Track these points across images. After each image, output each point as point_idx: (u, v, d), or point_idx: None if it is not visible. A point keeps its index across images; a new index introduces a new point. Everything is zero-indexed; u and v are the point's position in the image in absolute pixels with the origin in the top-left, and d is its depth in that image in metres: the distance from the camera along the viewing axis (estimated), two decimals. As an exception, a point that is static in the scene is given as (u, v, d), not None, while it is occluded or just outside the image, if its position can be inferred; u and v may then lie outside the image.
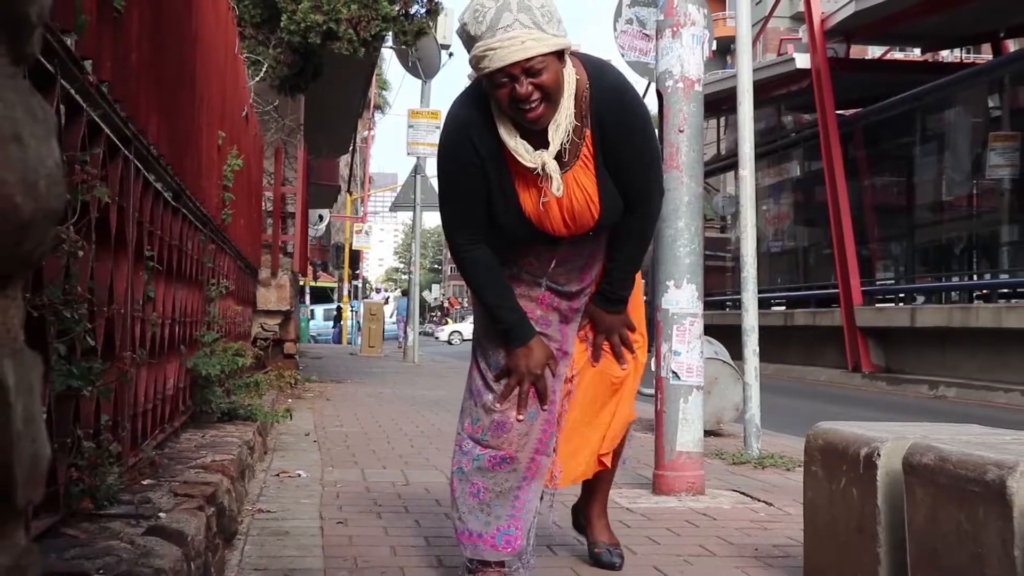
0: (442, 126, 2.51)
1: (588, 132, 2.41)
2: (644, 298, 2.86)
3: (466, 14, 2.28)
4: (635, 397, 2.82)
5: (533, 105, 2.27)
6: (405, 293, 32.09)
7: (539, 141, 2.37)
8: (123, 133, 2.63)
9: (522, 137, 2.37)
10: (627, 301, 2.64)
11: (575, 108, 2.38)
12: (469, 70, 2.74)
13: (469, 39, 2.26)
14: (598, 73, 2.42)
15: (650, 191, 2.56)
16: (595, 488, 2.82)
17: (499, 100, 2.30)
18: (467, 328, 43.64)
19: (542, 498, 2.75)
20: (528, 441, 2.53)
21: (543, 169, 2.37)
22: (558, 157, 2.40)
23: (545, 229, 2.46)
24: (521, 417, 2.51)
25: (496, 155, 2.39)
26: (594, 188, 2.44)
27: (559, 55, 2.29)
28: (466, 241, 2.49)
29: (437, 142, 2.70)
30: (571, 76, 2.36)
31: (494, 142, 2.38)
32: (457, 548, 2.62)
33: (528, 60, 2.21)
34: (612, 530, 2.89)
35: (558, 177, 2.37)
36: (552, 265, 2.55)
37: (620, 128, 2.43)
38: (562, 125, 2.35)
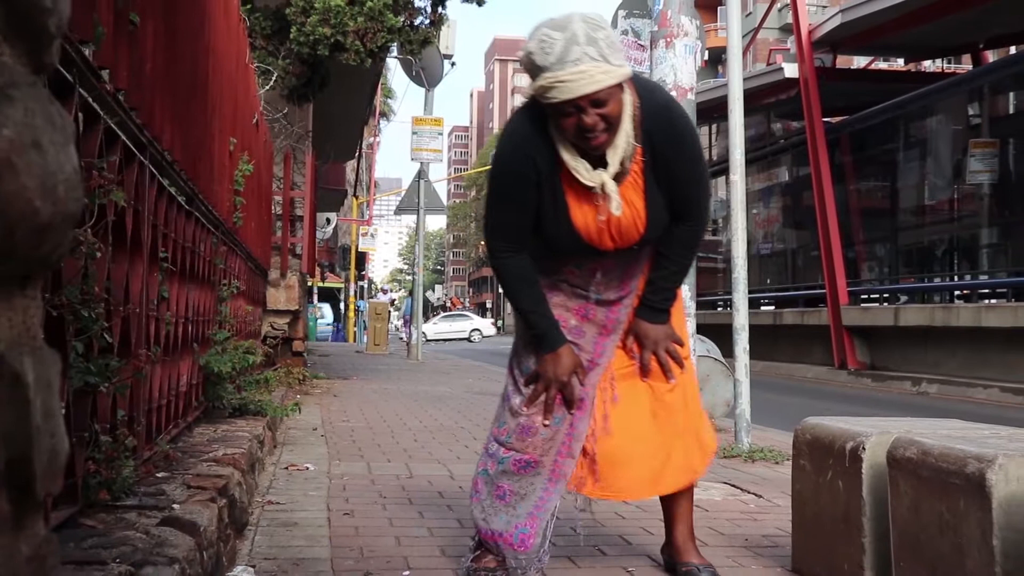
0: (501, 136, 2.47)
1: (639, 150, 2.38)
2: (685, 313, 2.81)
3: (531, 43, 2.24)
4: (705, 417, 2.70)
5: (598, 134, 2.26)
6: (411, 293, 32.12)
7: (597, 159, 2.35)
8: (138, 139, 2.63)
9: (581, 156, 2.34)
10: (670, 312, 2.58)
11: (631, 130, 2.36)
12: (521, 84, 2.71)
13: (534, 68, 2.23)
14: (648, 94, 2.40)
15: (699, 206, 2.52)
16: (675, 512, 2.66)
17: (564, 128, 2.28)
18: (484, 324, 42.55)
19: (577, 501, 2.75)
20: (553, 446, 2.50)
21: (602, 189, 2.35)
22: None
23: (591, 242, 2.43)
24: (547, 422, 2.48)
25: (553, 170, 2.37)
26: (642, 204, 2.41)
27: (620, 83, 2.28)
28: (507, 248, 2.46)
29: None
30: (628, 100, 2.33)
31: (552, 158, 2.35)
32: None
33: (595, 93, 2.19)
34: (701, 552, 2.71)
35: (617, 197, 2.35)
36: (593, 276, 2.52)
37: (670, 146, 2.40)
38: (620, 146, 2.33)
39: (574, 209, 2.40)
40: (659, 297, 2.54)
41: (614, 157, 2.34)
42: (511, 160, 2.41)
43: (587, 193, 2.37)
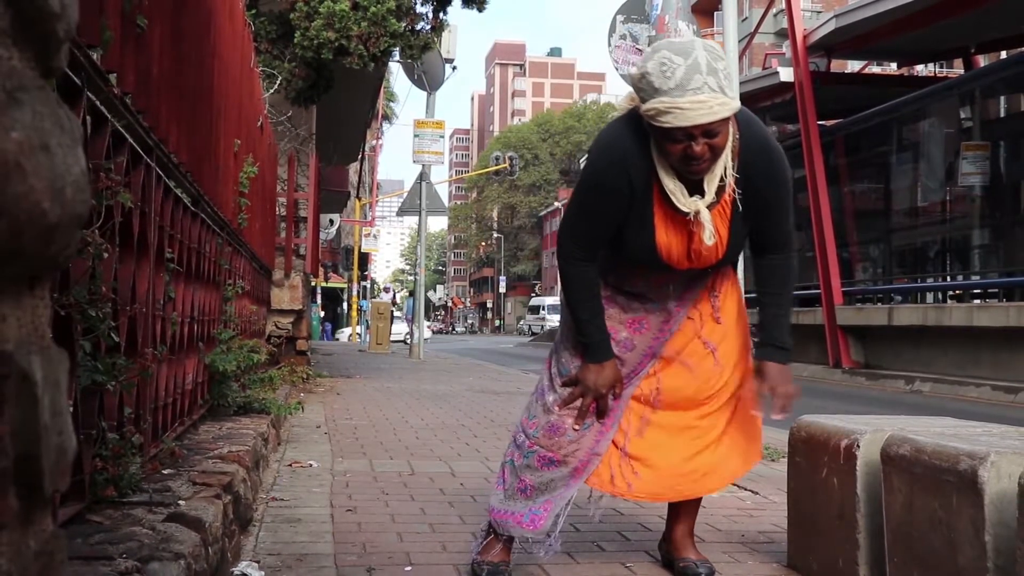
0: (597, 148, 2.39)
1: (732, 179, 2.34)
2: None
3: (650, 64, 2.18)
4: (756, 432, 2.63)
5: (703, 163, 2.22)
6: (412, 293, 32.11)
7: (693, 185, 2.31)
8: (145, 142, 2.63)
9: (678, 179, 2.30)
10: (792, 350, 2.49)
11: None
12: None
13: (650, 89, 2.16)
14: (747, 127, 2.35)
15: (790, 236, 2.49)
16: (681, 509, 2.67)
17: (669, 152, 2.23)
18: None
19: (589, 498, 2.75)
20: (579, 448, 2.49)
21: (696, 216, 2.30)
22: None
23: (668, 261, 2.39)
24: (577, 427, 2.47)
25: (646, 189, 2.32)
26: (726, 231, 2.37)
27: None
28: (581, 255, 2.42)
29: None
30: (731, 130, 2.28)
31: (647, 176, 2.31)
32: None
33: (710, 123, 2.15)
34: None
35: (710, 227, 2.31)
36: (657, 286, 2.48)
37: (766, 179, 2.36)
38: (717, 175, 2.29)
39: (659, 228, 2.35)
40: (780, 335, 2.47)
41: (711, 186, 2.30)
42: (605, 174, 2.34)
43: (675, 215, 2.33)
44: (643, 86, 2.19)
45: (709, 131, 2.16)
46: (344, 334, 35.88)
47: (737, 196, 2.33)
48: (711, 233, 2.31)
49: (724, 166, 2.29)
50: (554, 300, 49.65)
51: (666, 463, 2.52)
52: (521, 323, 54.45)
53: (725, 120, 2.18)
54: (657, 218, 2.34)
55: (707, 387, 2.52)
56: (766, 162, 2.35)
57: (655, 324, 2.51)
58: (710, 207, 2.32)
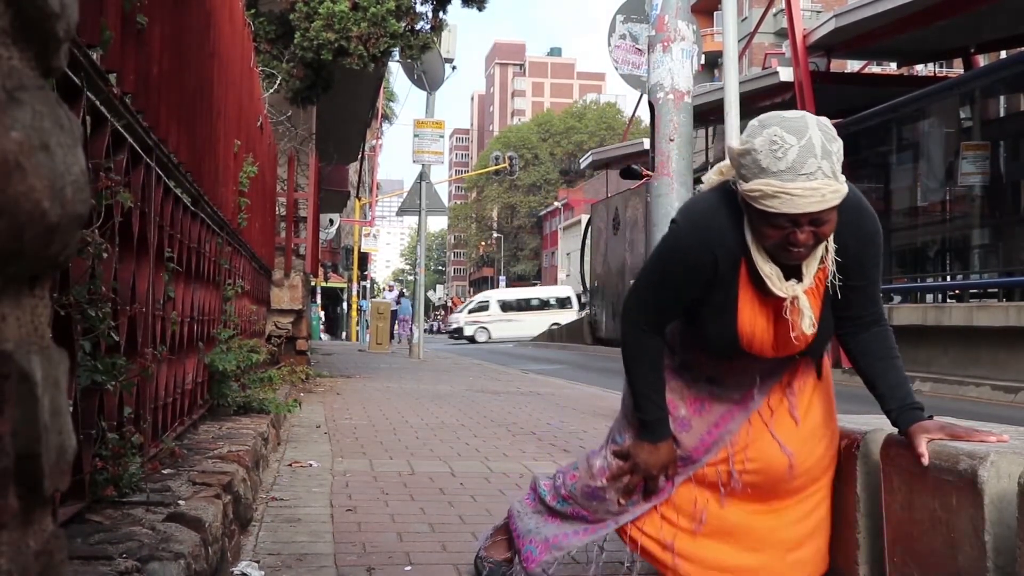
0: (686, 219, 2.17)
1: (832, 261, 2.13)
2: None
3: (757, 140, 1.96)
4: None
5: (803, 250, 2.01)
6: (402, 295, 32.02)
7: (789, 268, 2.09)
8: (145, 142, 2.63)
9: (772, 261, 2.08)
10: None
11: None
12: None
13: (756, 168, 1.95)
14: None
15: (881, 304, 2.26)
16: None
17: (767, 236, 2.01)
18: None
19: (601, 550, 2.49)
20: (612, 516, 2.33)
21: (794, 303, 2.09)
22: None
23: (748, 349, 2.16)
24: (622, 502, 2.31)
25: (732, 271, 2.10)
26: (817, 312, 2.14)
27: None
28: (648, 326, 2.22)
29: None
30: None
31: (736, 257, 2.09)
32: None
33: (820, 212, 1.95)
34: None
35: (810, 313, 2.09)
36: (726, 374, 2.25)
37: (860, 240, 2.14)
38: (818, 257, 2.08)
39: (744, 313, 2.13)
40: (912, 397, 2.17)
41: (809, 270, 2.09)
42: (690, 249, 2.11)
43: (763, 299, 2.12)
44: (747, 163, 1.98)
45: (817, 219, 1.96)
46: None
47: (833, 275, 2.12)
48: (811, 321, 2.09)
49: (824, 246, 2.08)
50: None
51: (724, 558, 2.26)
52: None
53: (835, 208, 1.96)
54: (742, 302, 2.13)
55: (781, 488, 2.26)
56: (859, 224, 2.13)
57: (717, 412, 2.27)
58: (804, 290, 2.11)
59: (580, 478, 2.38)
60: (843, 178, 1.98)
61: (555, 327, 32.35)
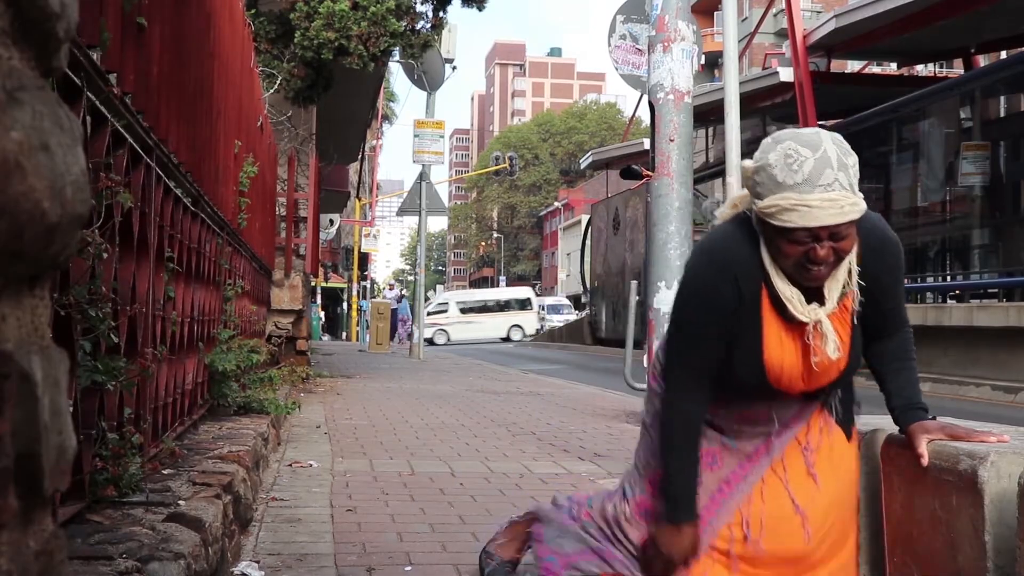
0: (699, 253, 2.12)
1: (857, 285, 2.07)
2: None
3: (771, 155, 1.93)
4: None
5: (824, 268, 1.95)
6: (403, 297, 31.93)
7: (810, 292, 2.03)
8: (145, 142, 2.63)
9: (794, 286, 2.02)
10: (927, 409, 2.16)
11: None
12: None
13: (771, 184, 1.92)
14: (866, 220, 2.03)
15: (905, 313, 2.21)
16: None
17: (787, 254, 1.95)
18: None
19: None
20: (623, 566, 2.25)
21: (817, 327, 2.02)
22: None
23: (776, 384, 2.07)
24: None
25: (755, 298, 2.04)
26: (848, 338, 2.08)
27: None
28: (685, 387, 2.10)
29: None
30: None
31: (757, 284, 2.03)
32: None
33: (839, 225, 1.90)
34: None
35: (835, 337, 2.03)
36: (739, 420, 2.16)
37: (886, 269, 2.10)
38: (840, 279, 2.02)
39: (771, 345, 2.05)
40: (918, 398, 2.16)
41: (832, 292, 2.03)
42: (710, 281, 2.05)
43: (788, 328, 2.05)
44: (762, 179, 1.95)
45: (836, 233, 1.91)
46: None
47: (857, 302, 2.06)
48: (836, 346, 2.03)
49: (845, 270, 2.01)
50: (553, 300, 48.94)
51: None
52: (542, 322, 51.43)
53: (854, 222, 1.93)
54: (767, 333, 2.05)
55: (798, 558, 2.13)
56: (883, 250, 2.09)
57: (729, 466, 2.17)
58: (829, 315, 2.05)
59: (594, 519, 2.33)
60: (860, 194, 1.94)
61: (515, 327, 33.04)
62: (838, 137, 1.97)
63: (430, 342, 35.36)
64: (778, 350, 2.05)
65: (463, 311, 37.31)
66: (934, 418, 2.10)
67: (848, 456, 2.17)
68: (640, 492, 2.23)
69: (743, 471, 2.14)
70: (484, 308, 38.39)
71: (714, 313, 2.04)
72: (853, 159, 1.94)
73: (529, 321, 37.77)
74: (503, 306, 38.60)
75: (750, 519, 2.10)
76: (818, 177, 1.89)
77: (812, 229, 1.90)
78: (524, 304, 38.55)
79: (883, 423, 2.48)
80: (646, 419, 2.30)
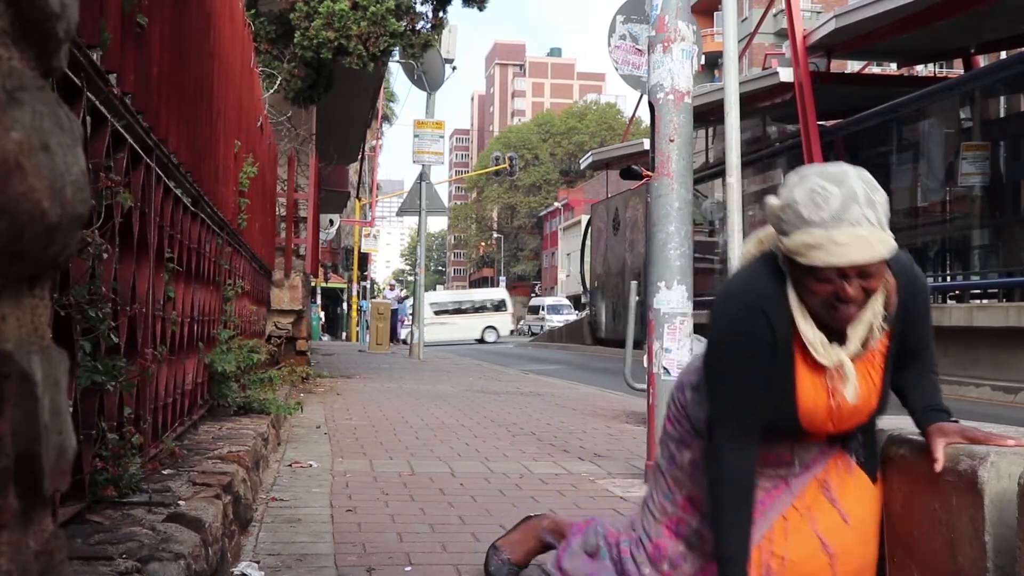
0: (725, 297, 2.07)
1: (887, 329, 2.02)
2: None
3: (797, 191, 1.89)
4: None
5: (852, 308, 1.90)
6: (403, 299, 31.90)
7: (834, 333, 1.98)
8: (145, 142, 2.63)
9: (818, 327, 1.97)
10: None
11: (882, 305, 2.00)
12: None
13: (797, 221, 1.87)
14: (895, 261, 1.98)
15: (932, 341, 2.17)
16: None
17: (814, 292, 1.90)
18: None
19: None
20: None
21: (839, 370, 1.97)
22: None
23: (808, 427, 2.03)
24: None
25: (788, 339, 1.97)
26: (880, 380, 2.04)
27: None
28: (733, 437, 2.00)
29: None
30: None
31: (787, 324, 1.97)
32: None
33: (868, 263, 1.85)
34: None
35: (855, 382, 1.98)
36: (762, 462, 2.08)
37: (919, 308, 2.07)
38: (866, 321, 1.97)
39: (804, 388, 1.99)
40: (940, 401, 2.11)
41: (855, 334, 1.97)
42: (743, 321, 1.98)
43: (818, 370, 1.99)
44: (787, 217, 1.89)
45: (865, 272, 1.86)
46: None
47: (891, 336, 2.02)
48: (855, 391, 1.98)
49: (872, 312, 1.96)
50: (553, 300, 48.89)
51: None
52: (521, 323, 51.58)
53: (884, 260, 1.87)
54: (800, 373, 1.99)
55: None
56: (914, 295, 2.05)
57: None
58: (854, 359, 2.00)
59: (611, 550, 2.29)
60: (889, 232, 1.88)
61: (489, 329, 33.23)
62: (865, 173, 1.92)
63: (403, 342, 35.38)
64: (812, 392, 2.00)
65: (436, 312, 36.61)
66: (956, 421, 2.06)
67: (873, 497, 2.12)
68: (656, 536, 2.19)
69: (762, 507, 2.07)
70: (458, 310, 38.38)
71: (752, 351, 1.97)
72: (881, 195, 1.88)
73: (504, 323, 37.80)
74: (477, 308, 38.59)
75: (771, 560, 2.04)
76: (845, 212, 1.83)
77: (840, 268, 1.85)
78: (499, 306, 38.59)
79: (883, 424, 2.47)
80: (661, 463, 2.24)
